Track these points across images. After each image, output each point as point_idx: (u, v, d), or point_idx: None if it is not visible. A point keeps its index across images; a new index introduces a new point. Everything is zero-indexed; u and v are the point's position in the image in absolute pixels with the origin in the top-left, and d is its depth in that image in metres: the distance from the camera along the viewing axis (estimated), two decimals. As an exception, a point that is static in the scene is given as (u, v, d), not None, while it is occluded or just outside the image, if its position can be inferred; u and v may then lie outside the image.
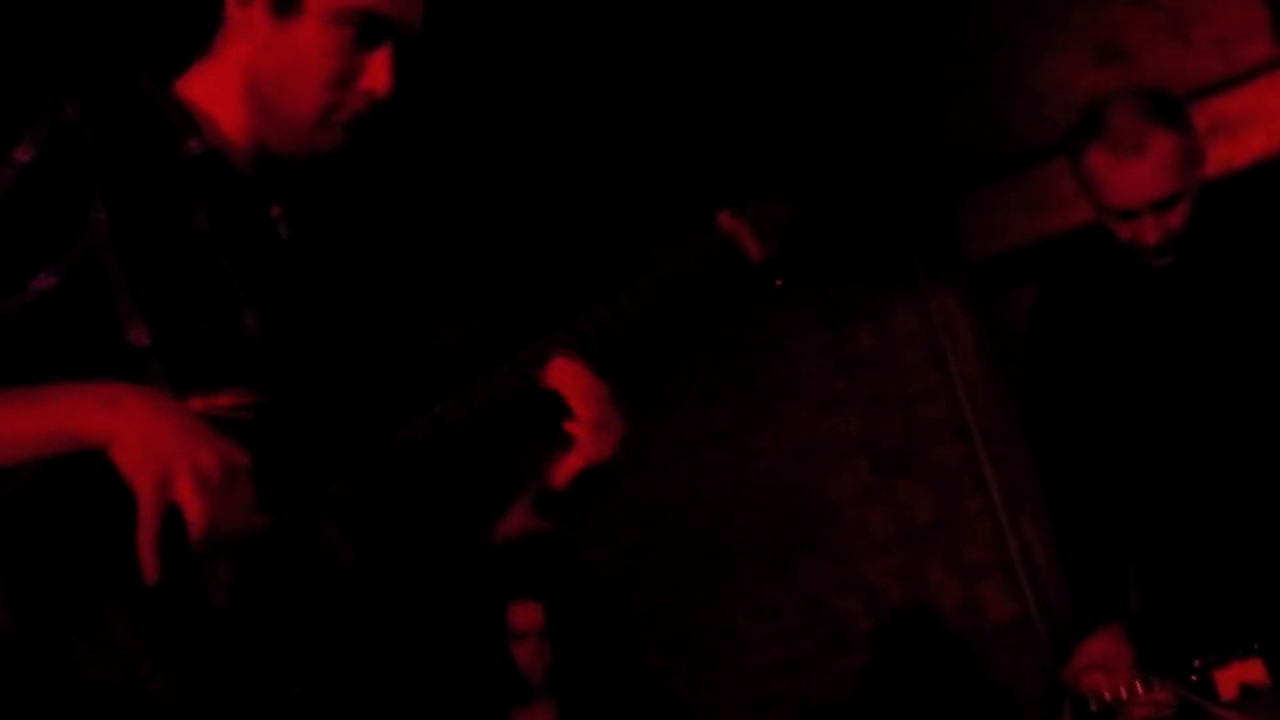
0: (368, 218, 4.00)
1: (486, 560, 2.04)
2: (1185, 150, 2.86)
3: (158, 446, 1.46)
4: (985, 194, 4.58)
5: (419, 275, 4.65)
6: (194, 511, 1.45)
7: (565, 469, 1.88)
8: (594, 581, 4.87)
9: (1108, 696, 2.72)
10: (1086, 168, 2.91)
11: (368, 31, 1.78)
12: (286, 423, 1.69)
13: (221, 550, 1.49)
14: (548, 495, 1.91)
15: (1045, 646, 4.34)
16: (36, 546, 1.53)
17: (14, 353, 1.59)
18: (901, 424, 4.69)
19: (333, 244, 2.02)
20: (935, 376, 4.64)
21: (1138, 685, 2.72)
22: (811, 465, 4.81)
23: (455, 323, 4.46)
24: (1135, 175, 2.82)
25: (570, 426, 1.85)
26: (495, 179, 4.83)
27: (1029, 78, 4.47)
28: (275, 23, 1.78)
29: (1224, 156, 3.92)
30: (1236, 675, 2.66)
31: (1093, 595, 3.00)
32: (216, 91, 1.83)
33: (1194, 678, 2.68)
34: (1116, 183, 2.85)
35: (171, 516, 1.45)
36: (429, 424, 1.79)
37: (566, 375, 1.85)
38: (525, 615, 4.24)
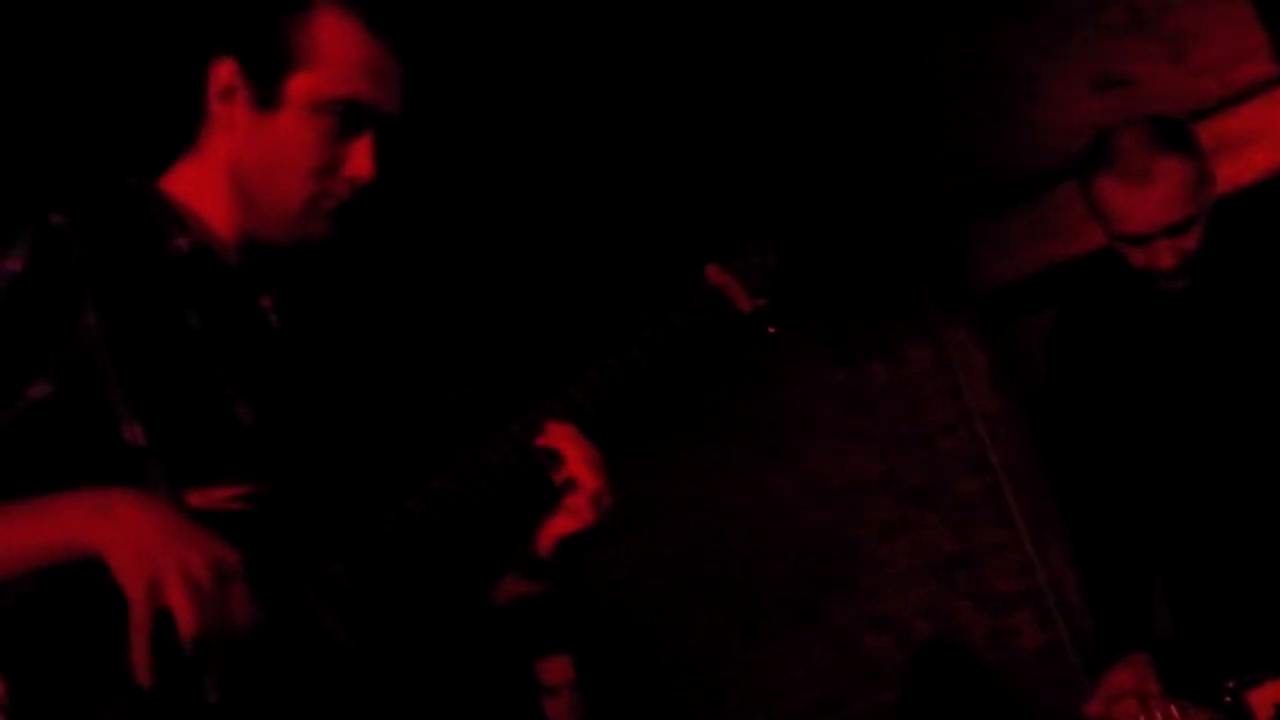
0: (357, 288, 4.01)
1: (497, 624, 2.05)
2: (1195, 175, 2.87)
3: (148, 552, 1.47)
4: (992, 224, 4.59)
5: (411, 341, 4.66)
6: (184, 617, 1.46)
7: (552, 534, 1.89)
8: (623, 633, 4.86)
9: (1143, 722, 2.71)
10: (1097, 197, 2.91)
11: (348, 119, 1.81)
12: (284, 509, 1.70)
13: (215, 651, 1.49)
14: (535, 561, 1.92)
15: (1079, 673, 4.32)
16: (37, 651, 1.55)
17: (13, 462, 1.60)
18: (922, 458, 4.69)
19: (323, 323, 2.03)
20: (952, 409, 4.64)
21: (1173, 710, 2.71)
22: (833, 504, 4.80)
23: (449, 387, 4.47)
24: (1147, 203, 2.83)
25: (571, 498, 1.86)
26: (480, 237, 4.84)
27: (1030, 106, 4.49)
28: (257, 116, 1.81)
29: (1229, 175, 3.92)
30: (1271, 696, 2.64)
31: (1116, 624, 2.99)
32: (202, 186, 1.86)
33: (1227, 699, 2.67)
34: (1128, 211, 2.85)
35: (166, 619, 1.47)
36: (424, 498, 1.80)
37: (567, 443, 1.86)
38: (556, 670, 4.23)
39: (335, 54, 1.80)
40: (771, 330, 2.07)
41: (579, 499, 1.85)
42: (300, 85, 1.79)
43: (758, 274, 2.06)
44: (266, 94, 1.80)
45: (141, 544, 1.47)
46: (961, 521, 4.62)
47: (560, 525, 1.88)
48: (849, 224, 4.70)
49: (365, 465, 1.90)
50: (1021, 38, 4.50)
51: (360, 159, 1.82)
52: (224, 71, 1.81)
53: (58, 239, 1.68)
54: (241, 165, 1.83)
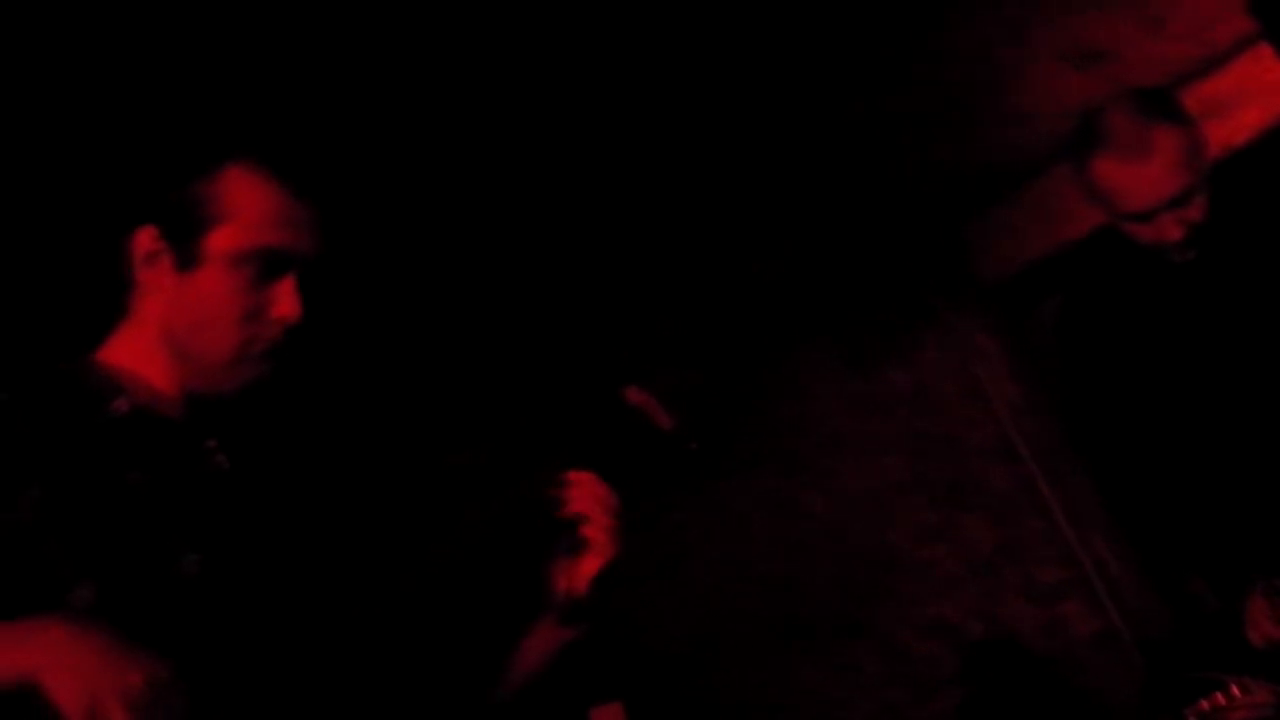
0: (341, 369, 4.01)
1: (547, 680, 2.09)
2: (1190, 142, 2.84)
3: (84, 673, 1.49)
4: (990, 215, 4.58)
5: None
6: None
7: (585, 575, 1.99)
8: (672, 671, 4.82)
9: (1205, 706, 2.67)
10: (1095, 178, 2.88)
11: (267, 266, 1.92)
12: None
13: None
14: (571, 606, 2.01)
15: (1133, 655, 4.27)
16: None
17: None
18: (950, 457, 4.65)
19: (282, 447, 2.13)
20: (975, 404, 4.61)
21: (1234, 689, 2.67)
22: (868, 514, 4.77)
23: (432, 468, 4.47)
24: (1147, 177, 2.79)
25: (592, 536, 1.98)
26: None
27: (1011, 92, 4.45)
28: (180, 276, 1.93)
29: (1222, 138, 3.90)
30: (1330, 663, 2.61)
31: (1226, 567, 2.94)
32: (138, 350, 1.95)
33: (1287, 672, 2.64)
34: (1130, 188, 2.82)
35: None
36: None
37: (582, 486, 2.00)
38: (608, 718, 4.20)
39: (246, 208, 1.93)
40: (693, 446, 2.13)
41: (598, 535, 1.98)
42: (217, 242, 1.91)
43: (677, 394, 2.14)
44: (187, 255, 1.92)
45: (77, 667, 1.49)
46: (998, 516, 4.58)
47: (590, 565, 1.99)
48: (846, 234, 4.68)
49: (339, 588, 2.00)
50: (993, 23, 4.46)
51: (284, 301, 1.93)
52: (144, 239, 1.94)
53: None
54: (171, 325, 1.93)
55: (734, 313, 4.67)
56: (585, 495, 1.99)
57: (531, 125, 4.19)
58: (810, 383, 4.77)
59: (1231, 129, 4.03)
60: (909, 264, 4.67)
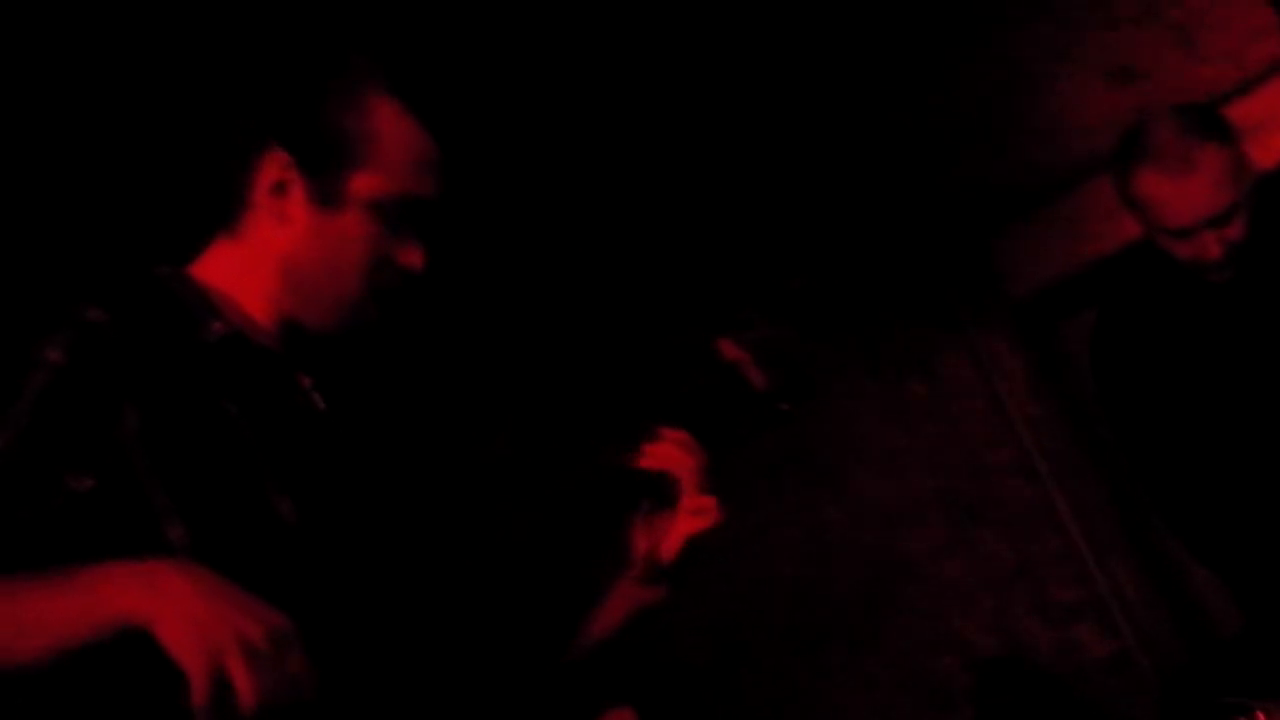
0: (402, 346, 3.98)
1: (562, 680, 2.05)
2: (1234, 161, 2.81)
3: (203, 624, 1.42)
4: (1018, 229, 4.56)
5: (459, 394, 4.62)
6: (246, 686, 1.41)
7: (679, 536, 1.98)
8: (682, 676, 4.80)
9: (1228, 732, 2.65)
10: (1137, 191, 2.85)
11: (407, 213, 1.82)
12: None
13: (273, 715, 1.44)
14: (656, 570, 1.99)
15: (1149, 679, 4.25)
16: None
17: (52, 553, 1.54)
18: (969, 473, 4.63)
19: (363, 393, 2.03)
20: (995, 420, 4.59)
21: (1259, 715, 2.65)
22: (885, 527, 4.75)
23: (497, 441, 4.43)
24: (1190, 193, 2.77)
25: (692, 500, 1.95)
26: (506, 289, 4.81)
27: (1044, 107, 4.44)
28: (317, 212, 1.80)
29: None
30: (1358, 690, 2.59)
31: (1260, 579, 2.92)
32: (240, 273, 1.84)
33: (1315, 698, 2.61)
34: (1172, 203, 2.79)
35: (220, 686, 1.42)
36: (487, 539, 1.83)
37: (681, 448, 1.96)
38: (619, 725, 4.18)
39: (393, 152, 1.80)
40: (785, 408, 2.04)
41: (692, 498, 1.94)
42: (361, 184, 1.79)
43: (772, 350, 2.06)
44: (326, 191, 1.80)
45: (194, 614, 1.42)
46: (1015, 534, 4.56)
47: (681, 529, 1.97)
48: (875, 242, 4.67)
49: (424, 534, 1.91)
50: (1029, 39, 4.44)
51: (414, 251, 1.83)
52: (276, 165, 1.80)
53: (96, 335, 1.65)
54: (298, 259, 1.82)
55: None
56: (678, 455, 1.92)
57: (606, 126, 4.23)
58: (834, 392, 4.75)
59: (1261, 153, 3.99)
60: (936, 277, 4.66)
